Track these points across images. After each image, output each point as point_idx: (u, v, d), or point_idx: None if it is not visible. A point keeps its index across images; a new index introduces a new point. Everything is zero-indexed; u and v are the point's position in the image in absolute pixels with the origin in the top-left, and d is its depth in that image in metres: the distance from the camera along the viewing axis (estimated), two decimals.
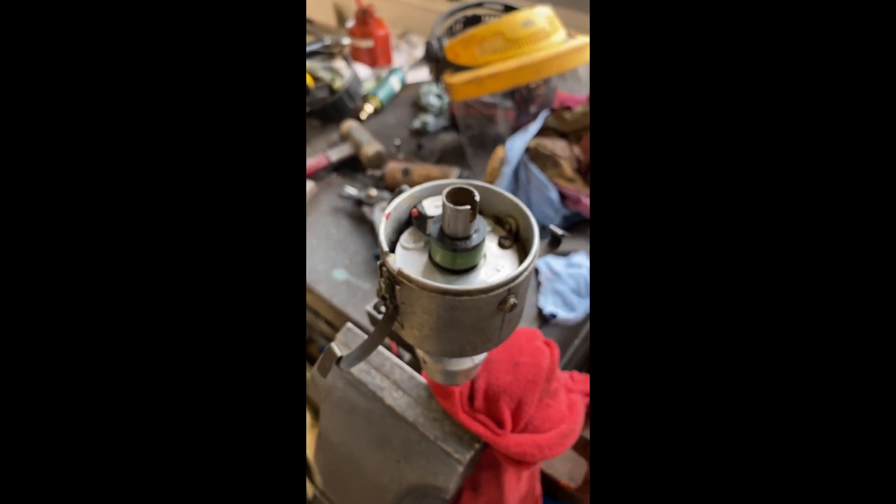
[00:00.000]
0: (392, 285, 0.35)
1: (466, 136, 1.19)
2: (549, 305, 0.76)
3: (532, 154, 0.99)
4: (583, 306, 0.78)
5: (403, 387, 0.56)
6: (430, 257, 0.38)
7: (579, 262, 0.82)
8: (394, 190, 1.14)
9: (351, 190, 1.15)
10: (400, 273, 0.34)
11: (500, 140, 1.19)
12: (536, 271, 0.82)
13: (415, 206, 0.40)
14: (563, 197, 0.98)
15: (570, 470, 0.73)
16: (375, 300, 0.54)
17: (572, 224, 1.02)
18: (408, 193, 0.40)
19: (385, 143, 1.26)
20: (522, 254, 0.40)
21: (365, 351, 0.38)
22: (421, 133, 1.33)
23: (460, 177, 1.10)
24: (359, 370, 0.57)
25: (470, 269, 0.38)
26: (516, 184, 1.02)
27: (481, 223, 0.37)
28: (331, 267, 1.02)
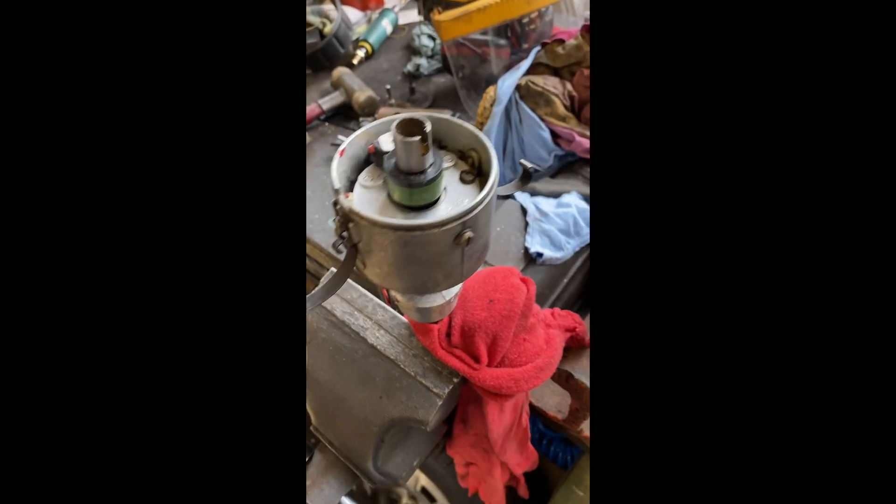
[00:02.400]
0: (346, 224, 0.35)
1: (459, 78, 1.15)
2: (536, 245, 0.75)
3: (523, 92, 0.96)
4: (571, 246, 0.77)
5: (385, 326, 0.57)
6: (389, 195, 0.38)
7: (569, 202, 0.81)
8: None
9: (343, 139, 1.14)
10: (351, 211, 0.34)
11: (493, 80, 1.15)
12: (524, 211, 0.81)
13: (372, 143, 0.39)
14: (556, 136, 0.95)
15: (558, 403, 0.75)
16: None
17: (566, 164, 1.00)
18: (364, 129, 0.39)
19: (378, 90, 1.23)
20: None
21: (328, 290, 0.39)
22: (414, 77, 1.30)
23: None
24: (342, 312, 0.59)
25: (430, 205, 0.38)
26: (508, 124, 0.99)
27: (437, 157, 0.37)
28: (326, 216, 1.02)
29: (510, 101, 0.96)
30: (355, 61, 1.33)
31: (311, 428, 0.65)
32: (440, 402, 0.52)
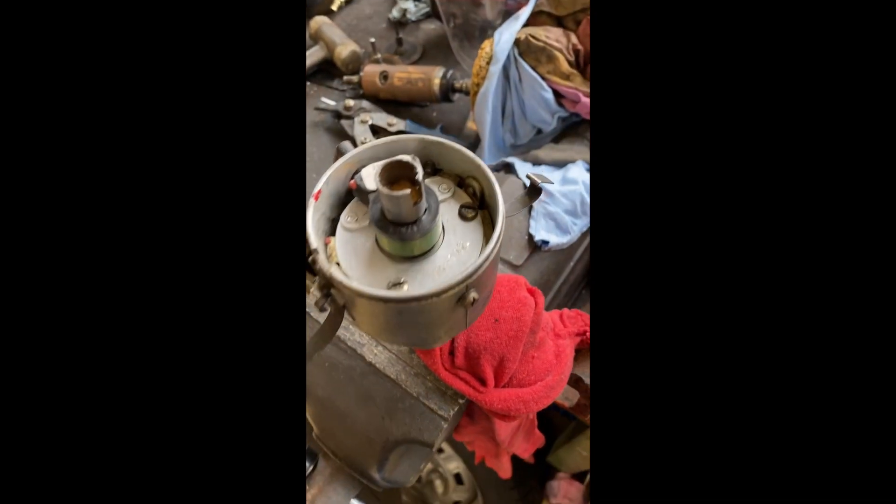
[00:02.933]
0: (329, 287, 0.30)
1: (450, 27, 1.04)
2: (542, 231, 0.70)
3: (522, 48, 0.86)
4: (578, 227, 0.72)
5: (383, 342, 0.53)
6: (377, 241, 0.32)
7: (575, 178, 0.75)
8: (373, 98, 1.04)
9: (328, 101, 1.05)
10: (333, 278, 0.29)
11: (489, 28, 1.04)
12: None
13: (353, 176, 0.33)
14: (559, 96, 0.87)
15: (565, 390, 0.73)
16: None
17: (570, 126, 0.92)
18: (343, 160, 0.33)
19: (361, 41, 1.12)
20: (490, 224, 0.34)
21: (314, 347, 0.34)
22: (401, 24, 1.18)
23: (445, 76, 0.98)
24: None
25: (426, 251, 0.32)
26: (507, 83, 0.90)
27: (432, 199, 0.31)
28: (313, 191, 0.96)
29: (508, 57, 0.86)
30: (334, 7, 1.21)
31: (314, 436, 0.63)
32: (446, 425, 0.50)
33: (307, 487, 0.61)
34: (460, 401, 0.50)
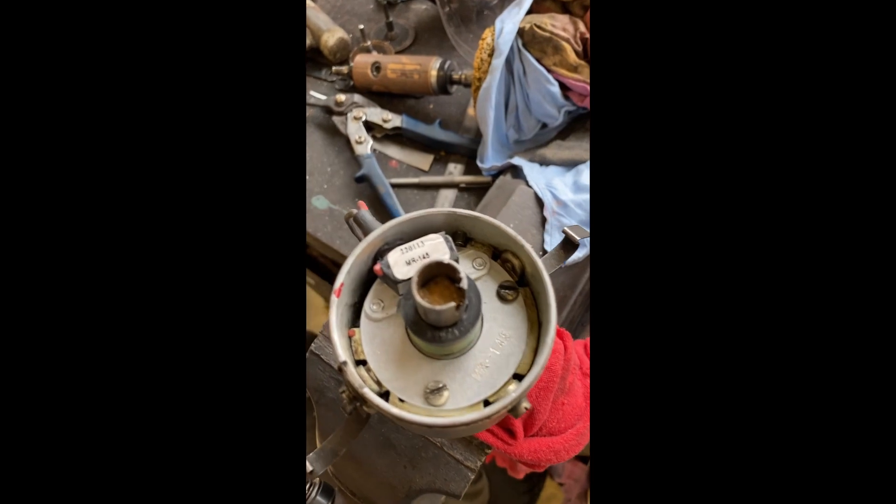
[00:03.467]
0: (360, 400, 0.27)
1: (445, 11, 0.96)
2: None
3: (527, 38, 0.80)
4: None
5: None
6: (408, 334, 0.29)
7: (588, 185, 0.70)
8: (364, 91, 0.97)
9: (318, 95, 0.98)
10: (365, 398, 0.25)
11: (486, 9, 0.97)
12: (538, 201, 0.71)
13: (377, 258, 0.29)
14: (566, 89, 0.81)
15: None
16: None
17: (577, 118, 0.87)
18: (365, 243, 0.29)
19: (348, 25, 1.04)
20: (532, 305, 0.30)
21: (340, 445, 0.31)
22: (390, 4, 1.09)
23: (442, 68, 0.91)
24: None
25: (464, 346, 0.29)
26: (510, 76, 0.85)
27: (472, 289, 0.27)
28: (307, 195, 0.91)
29: (511, 49, 0.80)
30: None
31: (330, 472, 0.61)
32: (473, 476, 0.47)
33: None
34: (487, 450, 0.47)
